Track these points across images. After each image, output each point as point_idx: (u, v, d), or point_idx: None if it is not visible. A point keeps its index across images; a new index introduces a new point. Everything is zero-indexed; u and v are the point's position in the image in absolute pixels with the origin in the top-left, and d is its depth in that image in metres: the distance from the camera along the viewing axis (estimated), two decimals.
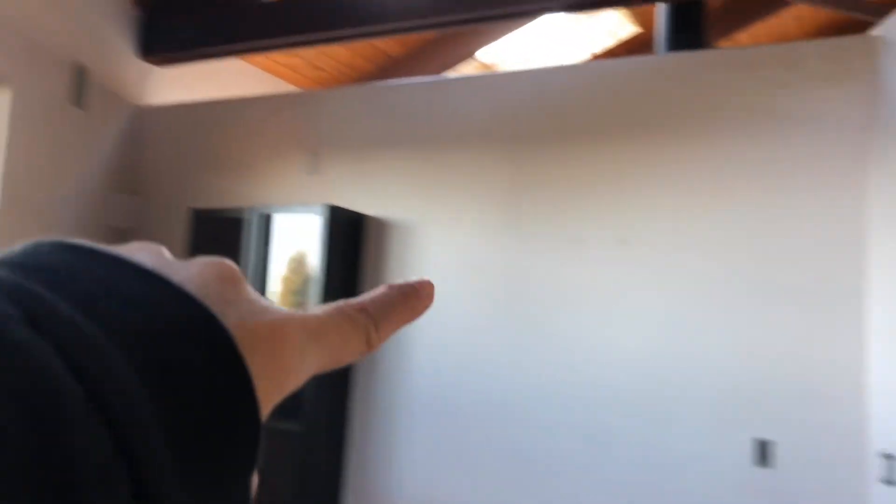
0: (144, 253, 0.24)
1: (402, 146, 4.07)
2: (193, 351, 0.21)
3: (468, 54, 5.80)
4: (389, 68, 5.67)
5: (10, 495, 0.16)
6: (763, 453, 3.14)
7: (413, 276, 0.31)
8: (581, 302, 3.51)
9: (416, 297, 0.30)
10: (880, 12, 3.61)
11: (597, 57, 5.88)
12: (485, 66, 6.05)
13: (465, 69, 5.90)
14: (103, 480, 0.18)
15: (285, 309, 0.26)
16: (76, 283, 0.21)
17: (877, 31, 3.19)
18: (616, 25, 5.65)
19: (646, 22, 5.40)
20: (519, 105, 3.82)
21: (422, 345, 3.76)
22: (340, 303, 0.28)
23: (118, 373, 0.19)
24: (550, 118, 3.73)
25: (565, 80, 3.82)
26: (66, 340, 0.19)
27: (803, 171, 3.21)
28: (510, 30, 5.58)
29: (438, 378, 3.73)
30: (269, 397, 0.24)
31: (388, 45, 5.59)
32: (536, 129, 3.75)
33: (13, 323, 0.18)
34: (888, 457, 2.85)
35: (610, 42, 5.85)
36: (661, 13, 3.84)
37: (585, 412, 3.45)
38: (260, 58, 5.27)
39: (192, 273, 0.24)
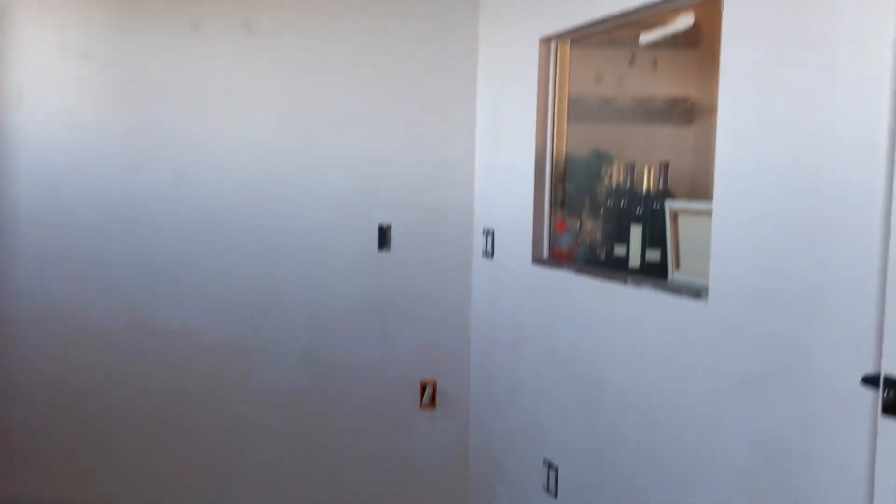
0: None
1: None
2: None
3: None
4: None
5: None
6: (383, 238, 3.29)
7: None
8: (202, 94, 3.25)
9: None
10: None
11: None
12: None
13: None
14: None
15: None
16: None
17: None
18: None
19: None
20: None
21: (19, 142, 3.27)
22: None
23: None
24: None
25: None
26: None
27: None
28: None
29: (44, 184, 3.30)
30: None
31: None
32: None
33: None
34: (487, 232, 3.14)
35: None
36: None
37: (210, 213, 3.31)
38: None
39: None
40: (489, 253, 3.13)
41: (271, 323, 3.35)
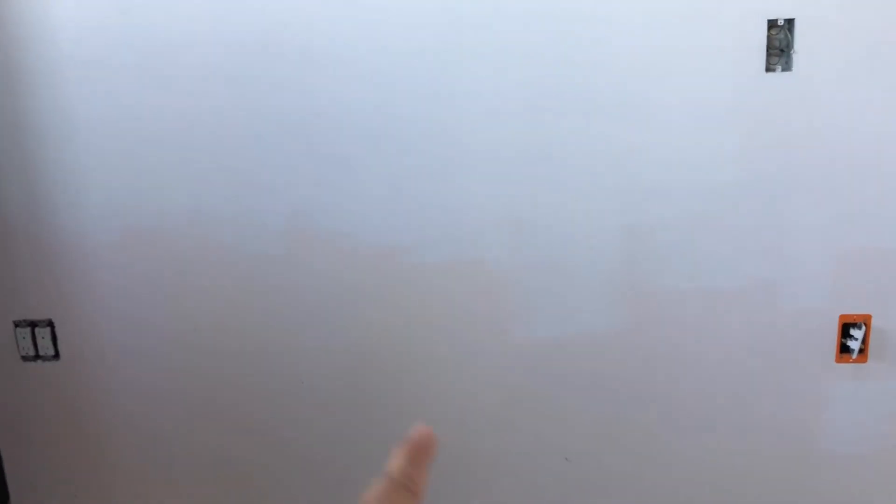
0: None
1: None
2: None
3: None
4: None
5: None
6: (772, 46, 1.62)
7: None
8: None
9: (425, 446, 0.39)
10: None
11: None
12: None
13: None
14: None
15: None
16: None
17: None
18: None
19: None
20: None
21: None
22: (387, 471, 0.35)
23: None
24: None
25: None
26: None
27: None
28: None
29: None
30: None
31: None
32: None
33: None
34: None
35: None
36: None
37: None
38: None
39: None
40: None
41: (544, 236, 1.80)
